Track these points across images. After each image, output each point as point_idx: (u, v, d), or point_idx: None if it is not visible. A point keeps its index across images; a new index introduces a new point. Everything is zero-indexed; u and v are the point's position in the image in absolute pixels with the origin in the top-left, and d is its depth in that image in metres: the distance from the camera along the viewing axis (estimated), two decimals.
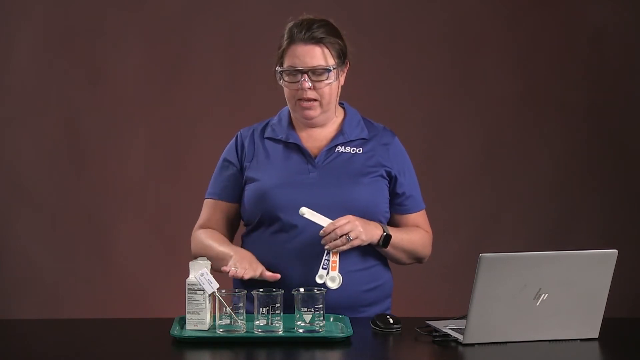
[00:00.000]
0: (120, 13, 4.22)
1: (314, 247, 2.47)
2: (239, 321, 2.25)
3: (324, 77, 2.51)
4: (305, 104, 2.53)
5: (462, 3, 4.28)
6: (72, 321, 2.67)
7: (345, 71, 2.59)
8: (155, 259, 4.26)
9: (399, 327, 2.34)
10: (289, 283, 2.41)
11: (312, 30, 2.51)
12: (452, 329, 2.27)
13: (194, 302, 2.28)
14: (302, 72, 2.50)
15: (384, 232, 2.51)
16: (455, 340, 2.23)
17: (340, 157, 2.57)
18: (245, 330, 2.25)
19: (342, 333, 2.26)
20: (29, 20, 4.20)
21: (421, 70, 4.28)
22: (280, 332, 2.25)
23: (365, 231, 2.46)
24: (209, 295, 2.28)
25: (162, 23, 4.24)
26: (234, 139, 2.65)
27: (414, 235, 2.61)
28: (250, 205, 2.55)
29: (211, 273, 2.29)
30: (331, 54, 2.52)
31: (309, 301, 2.25)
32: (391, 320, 2.35)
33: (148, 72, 4.25)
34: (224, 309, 2.25)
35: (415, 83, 4.29)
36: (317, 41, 2.51)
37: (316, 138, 2.60)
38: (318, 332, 2.24)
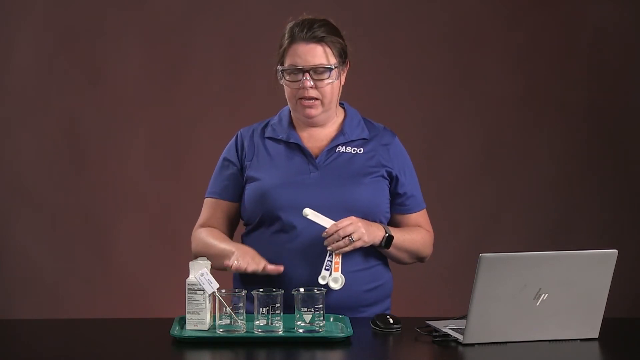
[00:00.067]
0: (120, 13, 4.22)
1: (314, 247, 2.47)
2: (239, 321, 2.25)
3: (325, 75, 2.51)
4: (307, 102, 2.53)
5: (462, 3, 4.28)
6: (72, 321, 2.67)
7: (346, 71, 2.59)
8: (155, 259, 4.26)
9: (399, 327, 2.34)
10: (289, 283, 2.42)
11: (313, 29, 2.51)
12: (452, 329, 2.27)
13: (194, 302, 2.28)
14: (304, 70, 2.51)
15: (386, 233, 2.51)
16: (455, 340, 2.23)
17: (341, 157, 2.57)
18: (245, 330, 2.25)
19: (342, 333, 2.26)
20: (29, 21, 4.20)
21: (421, 70, 4.28)
22: (280, 332, 2.25)
23: (368, 232, 2.46)
24: (209, 295, 2.28)
25: (162, 23, 4.24)
26: (234, 138, 2.65)
27: (416, 235, 2.61)
28: (250, 205, 2.55)
29: (211, 273, 2.28)
30: (332, 52, 2.53)
31: (309, 301, 2.25)
32: (391, 320, 2.35)
33: (148, 72, 4.25)
34: (224, 309, 2.25)
35: (415, 83, 4.29)
36: (319, 40, 2.51)
37: (317, 138, 2.60)
38: (318, 332, 2.24)
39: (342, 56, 2.56)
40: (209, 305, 2.28)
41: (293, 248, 2.48)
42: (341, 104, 2.66)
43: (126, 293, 4.23)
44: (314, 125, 2.59)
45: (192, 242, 2.63)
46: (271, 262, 2.49)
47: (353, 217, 2.46)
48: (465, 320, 2.19)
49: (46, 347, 2.28)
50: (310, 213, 2.44)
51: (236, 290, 2.29)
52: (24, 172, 4.24)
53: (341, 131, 2.60)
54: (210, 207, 2.63)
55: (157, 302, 4.14)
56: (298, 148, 2.58)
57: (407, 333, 2.32)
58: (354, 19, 4.11)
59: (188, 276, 2.29)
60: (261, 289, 2.27)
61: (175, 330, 2.27)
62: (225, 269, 2.50)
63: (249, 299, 2.31)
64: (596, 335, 2.27)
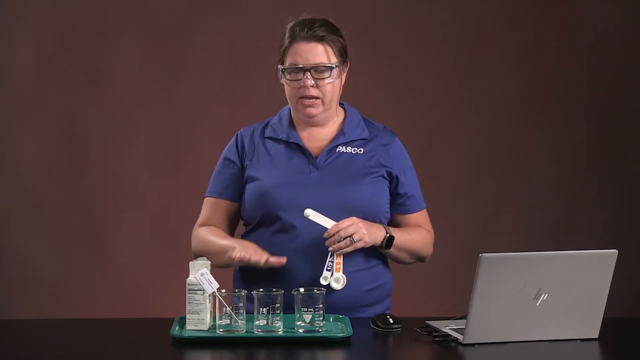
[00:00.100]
0: (120, 13, 4.22)
1: (314, 247, 2.47)
2: (239, 321, 2.25)
3: (326, 74, 2.51)
4: (307, 101, 2.53)
5: (462, 3, 4.28)
6: (72, 321, 2.67)
7: (346, 71, 2.59)
8: (155, 259, 4.26)
9: (399, 327, 2.34)
10: (289, 283, 2.42)
11: (314, 28, 2.51)
12: (452, 329, 2.27)
13: (194, 302, 2.28)
14: (305, 69, 2.51)
15: (387, 233, 2.51)
16: (455, 340, 2.23)
17: (341, 157, 2.57)
18: (245, 330, 2.25)
19: (342, 333, 2.26)
20: (29, 21, 4.20)
21: (421, 70, 4.28)
22: (280, 332, 2.25)
23: (369, 233, 2.47)
24: (209, 295, 2.28)
25: (162, 23, 4.24)
26: (234, 137, 2.65)
27: (416, 235, 2.61)
28: (250, 205, 2.55)
29: (211, 272, 2.28)
30: (333, 51, 2.53)
31: (309, 301, 2.25)
32: (391, 320, 2.35)
33: (148, 72, 4.25)
34: (224, 309, 2.25)
35: (415, 83, 4.29)
36: (319, 39, 2.52)
37: (317, 138, 2.60)
38: (318, 332, 2.24)
39: (343, 55, 2.56)
40: (209, 305, 2.28)
41: (293, 248, 2.48)
42: (341, 104, 2.66)
43: (126, 293, 4.23)
44: (314, 124, 2.59)
45: (192, 241, 2.63)
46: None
47: (354, 218, 2.46)
48: (465, 320, 2.19)
49: (46, 347, 2.28)
50: (311, 214, 2.44)
51: (236, 290, 2.29)
52: (24, 172, 4.24)
53: (341, 131, 2.60)
54: (210, 206, 2.63)
55: (157, 302, 4.14)
56: (298, 148, 2.58)
57: (407, 333, 2.32)
58: (354, 19, 4.11)
59: (188, 276, 2.29)
60: (261, 289, 2.27)
61: (175, 330, 2.27)
62: (226, 265, 2.51)
63: (249, 299, 2.31)
64: (596, 335, 2.27)
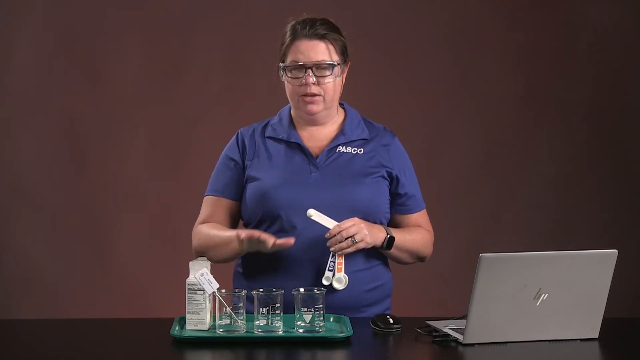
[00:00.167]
0: (120, 13, 4.22)
1: (314, 247, 2.47)
2: (239, 321, 2.25)
3: (327, 72, 2.51)
4: (309, 98, 2.53)
5: (462, 3, 4.28)
6: (72, 321, 2.67)
7: (347, 70, 2.59)
8: (155, 259, 4.26)
9: (399, 327, 2.34)
10: (289, 283, 2.41)
11: (315, 27, 2.52)
12: (452, 329, 2.27)
13: (194, 302, 2.28)
14: (306, 67, 2.51)
15: (388, 234, 2.51)
16: (455, 340, 2.23)
17: (341, 157, 2.57)
18: (245, 330, 2.25)
19: (342, 333, 2.26)
20: (29, 21, 4.20)
21: (421, 70, 4.28)
22: (280, 332, 2.25)
23: (370, 234, 2.47)
24: (209, 295, 2.28)
25: (162, 23, 4.24)
26: (234, 137, 2.65)
27: (416, 235, 2.61)
28: (251, 205, 2.55)
29: (211, 272, 2.28)
30: (335, 49, 2.53)
31: (309, 301, 2.25)
32: (391, 320, 2.35)
33: (148, 72, 4.25)
34: (224, 309, 2.25)
35: (415, 83, 4.29)
36: (321, 37, 2.52)
37: (317, 138, 2.60)
38: (318, 332, 2.24)
39: (344, 54, 2.56)
40: (209, 305, 2.28)
41: (293, 248, 2.48)
42: (341, 104, 2.66)
43: (126, 293, 4.23)
44: (315, 122, 2.59)
45: (193, 239, 2.63)
46: (270, 262, 2.50)
47: (356, 219, 2.46)
48: (465, 320, 2.19)
49: (46, 347, 2.28)
50: (314, 214, 2.44)
51: (236, 290, 2.29)
52: (24, 172, 4.24)
53: (341, 131, 2.60)
54: (210, 204, 2.63)
55: (157, 302, 4.14)
56: (298, 148, 2.58)
57: (407, 333, 2.32)
58: (354, 19, 4.11)
59: (188, 276, 2.29)
60: (261, 289, 2.27)
61: (175, 330, 2.27)
62: (230, 258, 2.52)
63: (249, 299, 2.31)
64: (596, 335, 2.27)
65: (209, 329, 2.28)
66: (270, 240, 2.41)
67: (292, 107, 2.62)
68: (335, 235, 2.43)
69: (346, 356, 2.19)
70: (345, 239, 2.43)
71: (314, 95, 2.52)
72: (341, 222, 2.44)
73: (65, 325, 2.53)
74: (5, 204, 4.24)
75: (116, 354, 2.20)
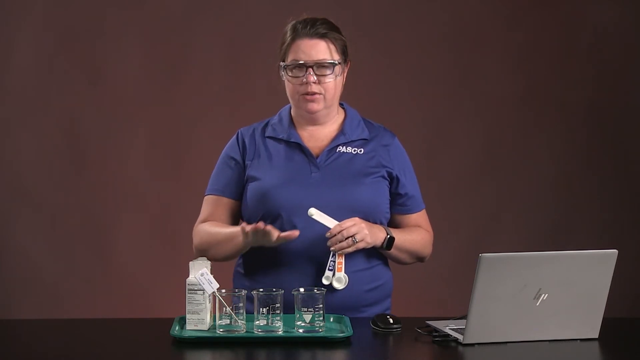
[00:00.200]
0: (120, 13, 4.22)
1: (314, 247, 2.47)
2: (239, 321, 2.25)
3: (328, 71, 2.52)
4: (310, 97, 2.53)
5: (462, 3, 4.28)
6: (72, 321, 2.67)
7: (347, 70, 2.59)
8: (155, 259, 4.26)
9: (399, 327, 2.34)
10: (290, 282, 2.42)
11: (316, 26, 2.53)
12: (452, 329, 2.27)
13: (194, 302, 2.28)
14: (307, 65, 2.51)
15: (388, 234, 2.51)
16: (455, 340, 2.23)
17: (341, 157, 2.57)
18: (245, 330, 2.25)
19: (342, 333, 2.26)
20: (29, 21, 4.20)
21: (421, 70, 4.28)
22: (280, 332, 2.25)
23: (371, 234, 2.47)
24: (209, 295, 2.28)
25: (162, 23, 4.24)
26: (234, 136, 2.65)
27: (416, 235, 2.62)
28: (252, 204, 2.55)
29: (211, 272, 2.28)
30: (336, 48, 2.54)
31: (309, 301, 2.25)
32: (391, 320, 2.35)
33: (148, 72, 4.25)
34: (224, 309, 2.25)
35: (415, 83, 4.29)
36: (322, 36, 2.52)
37: (317, 137, 2.60)
38: (318, 332, 2.24)
39: (344, 54, 2.57)
40: (209, 305, 2.28)
41: (293, 248, 2.48)
42: (341, 105, 2.66)
43: (126, 293, 4.23)
44: (315, 121, 2.59)
45: (194, 237, 2.62)
46: (270, 263, 2.50)
47: (356, 218, 2.46)
48: (465, 320, 2.19)
49: (46, 347, 2.28)
50: (315, 213, 2.44)
51: (236, 290, 2.29)
52: (24, 172, 4.24)
53: (341, 131, 2.60)
54: (211, 204, 2.62)
55: (157, 302, 4.14)
56: (299, 148, 2.58)
57: (407, 333, 2.32)
58: (354, 19, 4.12)
59: (188, 276, 2.29)
60: (261, 289, 2.27)
61: (175, 330, 2.27)
62: (233, 254, 2.52)
63: (249, 299, 2.31)
64: (596, 335, 2.27)
65: (209, 329, 2.28)
66: (275, 232, 2.40)
67: (292, 107, 2.62)
68: (335, 234, 2.43)
69: (346, 356, 2.19)
70: (346, 238, 2.43)
71: (315, 93, 2.52)
72: (342, 222, 2.44)
73: (65, 325, 2.53)
74: (5, 204, 4.24)
75: (116, 354, 2.20)
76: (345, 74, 2.59)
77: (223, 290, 2.27)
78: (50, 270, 4.25)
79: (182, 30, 4.24)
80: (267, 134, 2.62)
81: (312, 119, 2.59)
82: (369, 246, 2.48)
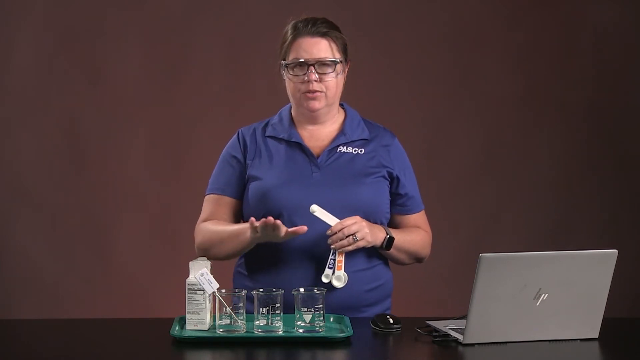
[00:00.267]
0: (120, 13, 4.22)
1: (315, 247, 2.47)
2: (239, 321, 2.25)
3: (329, 69, 2.52)
4: (311, 95, 2.53)
5: (462, 3, 4.28)
6: (72, 321, 2.67)
7: (347, 69, 2.59)
8: (155, 259, 4.26)
9: (399, 327, 2.34)
10: (290, 282, 2.42)
11: (317, 25, 2.53)
12: (452, 329, 2.27)
13: (194, 302, 2.28)
14: (308, 64, 2.51)
15: (387, 234, 2.51)
16: (455, 340, 2.23)
17: (342, 157, 2.57)
18: (245, 330, 2.25)
19: (342, 333, 2.26)
20: (29, 21, 4.20)
21: (421, 70, 4.28)
22: (280, 332, 2.25)
23: (371, 233, 2.47)
24: (209, 295, 2.28)
25: (162, 23, 4.24)
26: (235, 136, 2.65)
27: (415, 236, 2.62)
28: (253, 204, 2.55)
29: (211, 272, 2.29)
30: (337, 47, 2.54)
31: (309, 301, 2.24)
32: (391, 320, 2.35)
33: (148, 72, 4.25)
34: (224, 309, 2.25)
35: (415, 83, 4.29)
36: (323, 34, 2.53)
37: (318, 137, 2.60)
38: (318, 332, 2.24)
39: (345, 52, 2.57)
40: (209, 305, 2.28)
41: (294, 247, 2.48)
42: (341, 105, 2.66)
43: (126, 293, 4.23)
44: (315, 120, 2.59)
45: (196, 236, 2.62)
46: (271, 261, 2.50)
47: (357, 217, 2.46)
48: (465, 320, 2.19)
49: (46, 347, 2.28)
50: (317, 210, 2.44)
51: (236, 290, 2.29)
52: (24, 172, 4.24)
53: (342, 131, 2.60)
54: (212, 203, 2.62)
55: (157, 302, 4.14)
56: (299, 147, 2.58)
57: (407, 333, 2.32)
58: (354, 19, 4.12)
59: (188, 276, 2.29)
60: (261, 289, 2.27)
61: (175, 330, 2.27)
62: (237, 252, 2.52)
63: (249, 299, 2.31)
64: (596, 335, 2.27)
65: (209, 329, 2.28)
66: (283, 227, 2.40)
67: (293, 106, 2.62)
68: (336, 232, 2.43)
69: (346, 356, 2.19)
70: (347, 236, 2.43)
71: (316, 91, 2.53)
72: (343, 220, 2.45)
73: (65, 325, 2.53)
74: (5, 204, 4.24)
75: (116, 354, 2.20)
76: (345, 73, 2.59)
77: (223, 290, 2.27)
78: (50, 270, 4.25)
79: (182, 30, 4.24)
80: (267, 134, 2.62)
81: (313, 118, 2.59)
82: (369, 245, 2.48)
